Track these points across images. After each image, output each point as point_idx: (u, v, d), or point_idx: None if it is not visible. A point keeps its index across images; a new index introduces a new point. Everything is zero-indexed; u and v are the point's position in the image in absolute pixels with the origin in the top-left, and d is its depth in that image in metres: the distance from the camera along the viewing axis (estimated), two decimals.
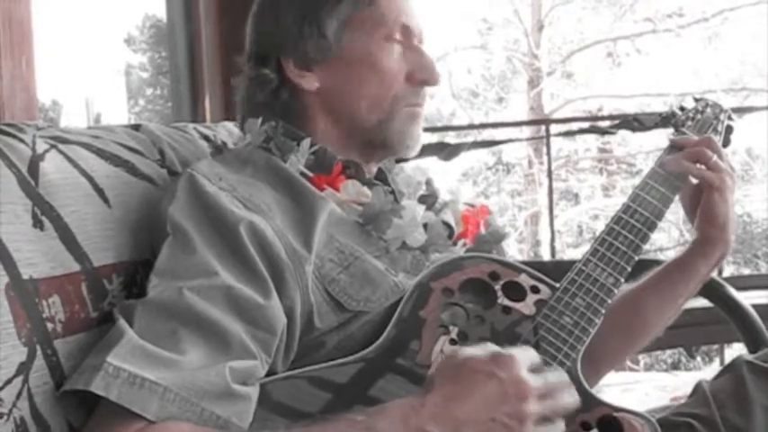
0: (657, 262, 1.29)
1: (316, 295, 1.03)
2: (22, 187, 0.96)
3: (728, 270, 7.67)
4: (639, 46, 10.07)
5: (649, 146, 8.80)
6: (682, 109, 1.35)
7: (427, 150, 2.66)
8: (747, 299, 1.66)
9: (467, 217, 1.23)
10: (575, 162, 10.15)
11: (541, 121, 7.58)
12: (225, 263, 0.98)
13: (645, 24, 9.99)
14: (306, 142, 1.14)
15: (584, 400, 0.98)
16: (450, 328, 1.04)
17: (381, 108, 1.15)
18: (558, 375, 0.96)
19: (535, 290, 1.09)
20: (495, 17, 10.29)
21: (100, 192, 1.06)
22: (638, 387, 1.73)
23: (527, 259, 7.14)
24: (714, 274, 1.36)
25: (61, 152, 1.05)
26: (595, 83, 10.18)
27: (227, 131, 1.39)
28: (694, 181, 1.23)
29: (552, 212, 4.06)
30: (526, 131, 8.85)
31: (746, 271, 8.71)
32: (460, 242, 1.21)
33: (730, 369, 1.16)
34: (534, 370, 0.92)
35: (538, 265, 1.13)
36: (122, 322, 0.92)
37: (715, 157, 1.21)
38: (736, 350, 3.17)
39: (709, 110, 1.35)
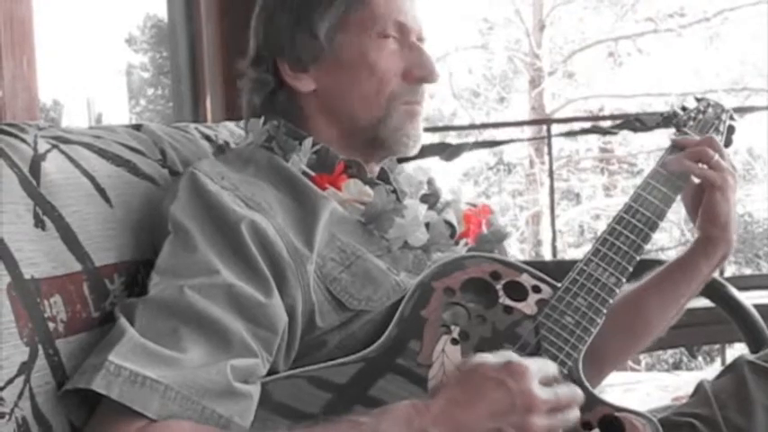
0: (659, 262, 1.29)
1: (317, 294, 1.02)
2: (24, 187, 0.96)
3: (730, 270, 7.67)
4: (641, 46, 10.06)
5: (651, 146, 8.80)
6: (683, 109, 1.35)
7: (429, 151, 2.66)
8: (749, 299, 1.66)
9: (468, 216, 1.23)
10: (576, 162, 10.14)
11: (543, 120, 7.56)
12: (226, 261, 0.98)
13: (646, 24, 9.98)
14: (308, 141, 1.14)
15: (586, 400, 0.98)
16: (452, 327, 1.04)
17: (377, 106, 1.15)
18: (569, 389, 0.96)
19: (537, 289, 1.09)
20: (496, 17, 10.29)
21: (101, 192, 1.06)
22: (639, 387, 1.72)
23: (528, 259, 7.12)
24: (716, 274, 1.35)
25: (63, 152, 1.05)
26: (597, 83, 10.17)
27: (229, 131, 1.40)
28: (696, 181, 1.23)
29: (553, 212, 4.08)
30: (527, 131, 8.84)
31: (748, 271, 8.70)
32: (462, 242, 1.21)
33: (732, 369, 1.16)
34: (547, 382, 0.92)
35: (539, 265, 1.13)
36: (123, 321, 0.92)
37: (717, 157, 1.21)
38: (737, 350, 3.17)
39: (710, 110, 1.34)
